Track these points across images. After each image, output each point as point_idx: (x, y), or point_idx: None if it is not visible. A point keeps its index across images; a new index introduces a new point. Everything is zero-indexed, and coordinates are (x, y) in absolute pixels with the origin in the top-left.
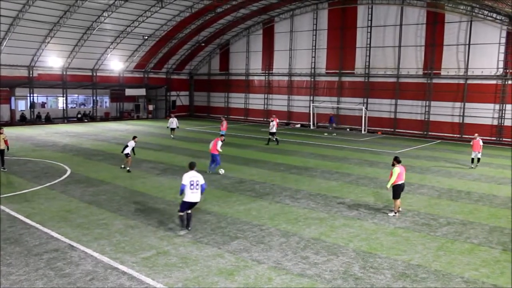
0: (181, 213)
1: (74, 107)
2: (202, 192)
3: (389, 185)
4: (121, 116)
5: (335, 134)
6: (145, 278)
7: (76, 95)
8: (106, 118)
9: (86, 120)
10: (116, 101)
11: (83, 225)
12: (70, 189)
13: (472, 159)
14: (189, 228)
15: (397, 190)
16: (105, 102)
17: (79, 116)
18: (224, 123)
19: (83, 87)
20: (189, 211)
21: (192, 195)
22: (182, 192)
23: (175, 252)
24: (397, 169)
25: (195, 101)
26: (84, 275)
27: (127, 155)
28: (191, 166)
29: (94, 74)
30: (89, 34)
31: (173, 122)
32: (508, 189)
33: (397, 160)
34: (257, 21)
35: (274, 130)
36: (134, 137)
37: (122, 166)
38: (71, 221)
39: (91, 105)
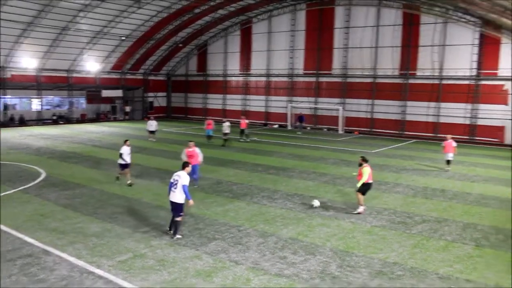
0: (176, 218)
1: (49, 109)
2: (185, 194)
3: (359, 184)
4: (98, 118)
5: (300, 133)
6: (122, 281)
7: (51, 96)
8: (82, 120)
9: (61, 122)
10: (92, 102)
11: (58, 229)
12: (45, 193)
13: (447, 160)
14: (174, 236)
15: (366, 188)
16: (81, 104)
17: (54, 118)
18: (210, 122)
19: (59, 88)
20: (177, 218)
21: (171, 194)
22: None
23: (152, 254)
24: (367, 168)
25: (172, 102)
26: (59, 280)
27: (125, 165)
28: (182, 166)
29: (70, 75)
30: (65, 35)
31: (152, 124)
32: (481, 186)
33: (364, 160)
34: (235, 22)
35: (227, 131)
36: (125, 141)
37: (118, 179)
38: (45, 225)
39: (67, 106)
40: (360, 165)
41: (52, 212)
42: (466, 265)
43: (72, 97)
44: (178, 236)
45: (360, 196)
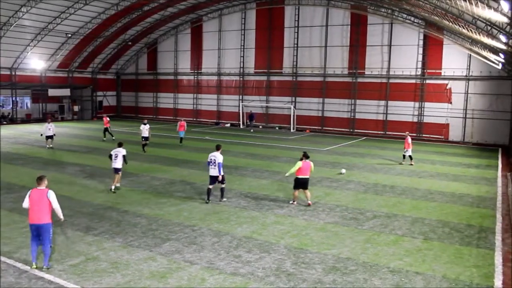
0: (209, 186)
1: None
2: (219, 169)
3: (287, 174)
4: (44, 118)
5: (252, 131)
6: (74, 286)
7: None
8: (28, 119)
9: (5, 122)
10: (38, 102)
11: (4, 234)
12: None
13: (404, 155)
14: (221, 199)
15: (296, 182)
16: (26, 103)
17: None
18: (183, 123)
19: (1, 87)
20: (222, 185)
21: (211, 170)
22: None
23: (105, 257)
24: (299, 163)
25: (122, 101)
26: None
27: (118, 170)
28: (217, 148)
29: (13, 73)
30: (6, 30)
31: (50, 128)
32: (428, 182)
33: (305, 156)
34: (185, 20)
35: (147, 134)
36: (120, 144)
37: (113, 188)
38: None
39: (10, 106)
40: (301, 159)
41: None
42: (415, 258)
43: (16, 96)
44: (224, 199)
45: (296, 193)
